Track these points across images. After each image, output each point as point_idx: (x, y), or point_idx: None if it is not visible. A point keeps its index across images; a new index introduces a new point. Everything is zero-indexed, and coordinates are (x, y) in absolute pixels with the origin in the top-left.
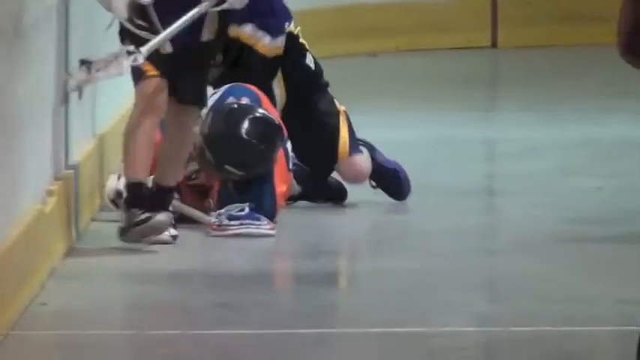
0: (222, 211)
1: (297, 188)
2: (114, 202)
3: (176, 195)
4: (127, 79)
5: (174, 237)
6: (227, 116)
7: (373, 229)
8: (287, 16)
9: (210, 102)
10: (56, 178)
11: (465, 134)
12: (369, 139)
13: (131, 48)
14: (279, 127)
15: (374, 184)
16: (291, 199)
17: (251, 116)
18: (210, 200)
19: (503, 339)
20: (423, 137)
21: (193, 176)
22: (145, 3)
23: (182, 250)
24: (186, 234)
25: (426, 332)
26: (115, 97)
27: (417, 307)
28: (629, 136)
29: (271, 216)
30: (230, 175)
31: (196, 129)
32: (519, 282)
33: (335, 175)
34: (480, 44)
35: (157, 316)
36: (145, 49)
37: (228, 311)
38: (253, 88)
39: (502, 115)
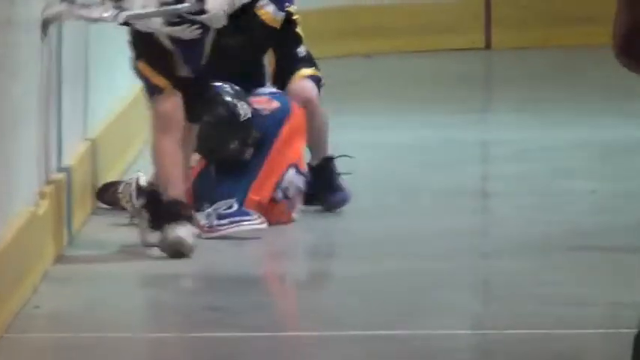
0: (211, 210)
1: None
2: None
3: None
4: (119, 82)
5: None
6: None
7: (368, 231)
8: None
9: None
10: (49, 181)
11: (460, 136)
12: (364, 141)
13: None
14: (240, 122)
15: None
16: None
17: (219, 101)
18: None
19: (497, 341)
20: (417, 138)
21: None
22: None
23: None
24: None
25: (419, 334)
26: (108, 100)
27: (411, 309)
28: (623, 139)
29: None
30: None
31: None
32: (513, 283)
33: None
34: (474, 46)
35: (151, 318)
36: (126, 13)
37: (222, 314)
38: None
39: (497, 116)
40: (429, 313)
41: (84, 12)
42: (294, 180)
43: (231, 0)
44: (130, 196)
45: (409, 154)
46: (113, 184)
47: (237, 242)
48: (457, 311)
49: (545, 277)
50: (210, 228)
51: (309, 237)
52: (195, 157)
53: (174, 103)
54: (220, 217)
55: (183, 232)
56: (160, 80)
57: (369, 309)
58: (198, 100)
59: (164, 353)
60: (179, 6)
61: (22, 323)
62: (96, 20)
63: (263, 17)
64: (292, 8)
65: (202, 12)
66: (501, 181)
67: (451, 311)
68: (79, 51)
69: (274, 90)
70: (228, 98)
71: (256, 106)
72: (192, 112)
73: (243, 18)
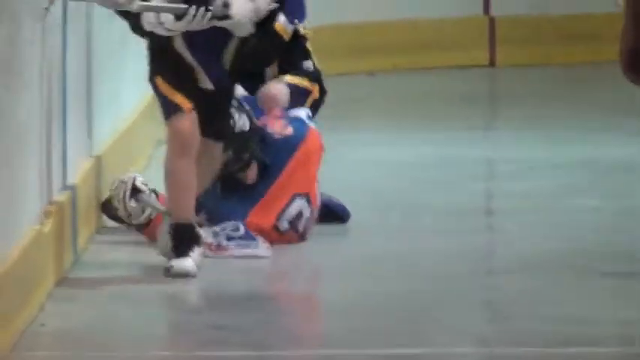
0: (218, 229)
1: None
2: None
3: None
4: (123, 99)
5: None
6: None
7: (372, 250)
8: (301, 14)
9: None
10: (54, 199)
11: (464, 153)
12: (367, 158)
13: None
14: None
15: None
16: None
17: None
18: None
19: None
20: (421, 156)
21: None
22: None
23: None
24: None
25: (424, 353)
26: (112, 117)
27: (416, 328)
28: (628, 156)
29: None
30: None
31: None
32: (518, 302)
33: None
34: (478, 63)
35: (156, 337)
36: (141, 2)
37: (228, 332)
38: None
39: (501, 134)
40: (432, 332)
41: None
42: (304, 211)
43: (256, 7)
44: (124, 194)
45: (413, 171)
46: None
47: (241, 260)
48: (461, 330)
49: (549, 295)
50: (218, 247)
51: (313, 256)
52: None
53: (191, 123)
54: (228, 238)
55: (188, 263)
56: (178, 98)
57: (373, 328)
58: (220, 115)
59: None
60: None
61: (28, 341)
62: (110, 5)
63: (275, 26)
64: (302, 26)
65: (227, 17)
66: (505, 199)
67: (455, 330)
68: (83, 68)
69: (298, 115)
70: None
71: (269, 129)
72: (214, 129)
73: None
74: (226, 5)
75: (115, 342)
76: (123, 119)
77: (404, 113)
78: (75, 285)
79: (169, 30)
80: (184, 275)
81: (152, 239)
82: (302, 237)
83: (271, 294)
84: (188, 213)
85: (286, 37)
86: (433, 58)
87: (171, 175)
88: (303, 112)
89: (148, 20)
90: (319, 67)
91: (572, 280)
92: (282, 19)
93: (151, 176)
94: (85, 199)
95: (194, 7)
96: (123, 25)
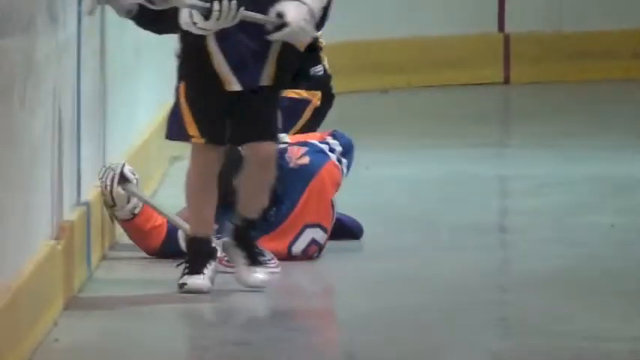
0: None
1: None
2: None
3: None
4: (138, 115)
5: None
6: None
7: (386, 266)
8: (322, 24)
9: None
10: (68, 215)
11: (478, 170)
12: (381, 176)
13: None
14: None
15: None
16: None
17: None
18: None
19: None
20: (435, 174)
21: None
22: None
23: None
24: None
25: None
26: (127, 133)
27: (429, 345)
28: None
29: None
30: None
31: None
32: (531, 318)
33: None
34: (492, 80)
35: (171, 353)
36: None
37: (244, 348)
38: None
39: (515, 151)
40: (446, 348)
41: None
42: (317, 239)
43: (310, 9)
44: (112, 180)
45: (427, 188)
46: None
47: None
48: (475, 347)
49: (562, 311)
50: (229, 262)
51: (327, 272)
52: None
53: (210, 153)
54: None
55: (202, 281)
56: (192, 129)
57: (387, 344)
58: (258, 115)
59: None
60: (258, 15)
61: (41, 356)
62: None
63: None
64: (319, 34)
65: (284, 25)
66: (519, 216)
67: (469, 346)
68: (98, 84)
69: (318, 144)
70: None
71: (287, 156)
72: (253, 130)
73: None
74: (281, 15)
75: (129, 358)
76: (137, 135)
77: (418, 131)
78: (88, 300)
79: (203, 29)
80: (198, 292)
81: (133, 238)
82: (314, 257)
83: (285, 310)
84: (207, 227)
85: (302, 47)
86: (447, 76)
87: (190, 189)
88: (326, 147)
89: (185, 20)
90: (330, 71)
91: (585, 296)
92: None
93: (166, 193)
94: (98, 215)
95: (217, 2)
96: (137, 39)
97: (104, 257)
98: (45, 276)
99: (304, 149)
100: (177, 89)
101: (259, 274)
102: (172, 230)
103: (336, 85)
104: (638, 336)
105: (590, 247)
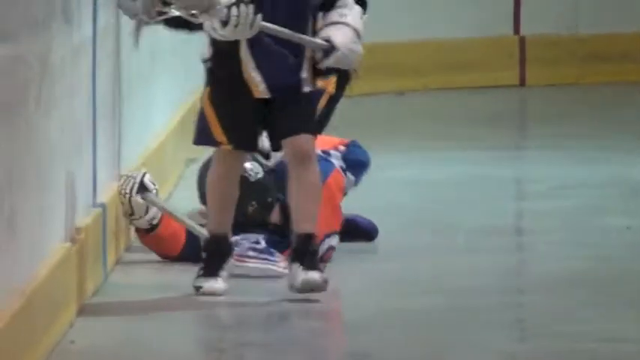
0: (239, 238)
1: None
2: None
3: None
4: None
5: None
6: None
7: (401, 268)
8: None
9: None
10: (84, 217)
11: (494, 173)
12: (396, 177)
13: None
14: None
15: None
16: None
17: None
18: None
19: None
20: (451, 176)
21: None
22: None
23: None
24: None
25: None
26: (143, 136)
27: (445, 346)
28: None
29: None
30: None
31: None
32: (548, 320)
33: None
34: (508, 82)
35: (186, 354)
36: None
37: (258, 349)
38: None
39: (530, 153)
40: (463, 351)
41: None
42: (333, 244)
43: (354, 28)
44: (131, 189)
45: (443, 191)
46: None
47: (269, 278)
48: (491, 349)
49: (580, 314)
50: (241, 256)
51: (342, 274)
52: None
53: (234, 158)
54: (249, 248)
55: (218, 285)
56: (218, 134)
57: (402, 346)
58: (290, 113)
59: None
60: (306, 39)
61: (58, 358)
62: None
63: None
64: None
65: (333, 49)
66: (535, 218)
67: (485, 348)
68: (114, 86)
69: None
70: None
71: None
72: (288, 126)
73: None
74: (328, 40)
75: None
76: (152, 138)
77: (434, 133)
78: (104, 302)
79: (223, 36)
80: (213, 295)
81: (152, 249)
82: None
83: (299, 311)
84: (226, 227)
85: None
86: (463, 78)
87: (211, 189)
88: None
89: (207, 27)
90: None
91: (600, 298)
92: None
93: (182, 196)
94: (113, 217)
95: (233, 6)
96: (152, 42)
97: (120, 259)
98: (60, 278)
99: None
100: (203, 95)
101: (314, 274)
102: (190, 236)
103: (352, 87)
104: None
105: (606, 249)
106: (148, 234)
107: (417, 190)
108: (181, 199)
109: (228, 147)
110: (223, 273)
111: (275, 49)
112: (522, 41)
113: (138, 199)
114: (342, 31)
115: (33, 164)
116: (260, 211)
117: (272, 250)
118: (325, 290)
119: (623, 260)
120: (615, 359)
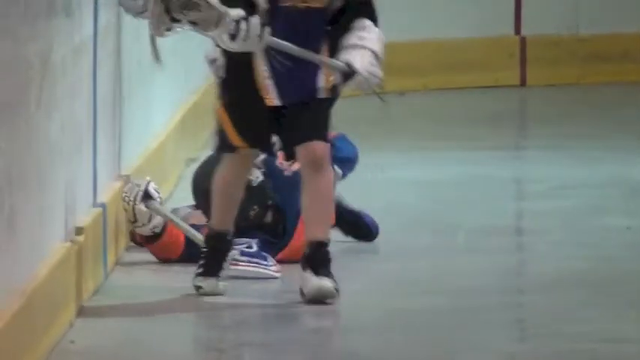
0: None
1: None
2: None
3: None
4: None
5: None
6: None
7: (401, 268)
8: None
9: None
10: (84, 217)
11: (494, 173)
12: (396, 177)
13: (241, 14)
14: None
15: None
16: None
17: None
18: None
19: None
20: (451, 176)
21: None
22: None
23: None
24: None
25: None
26: (143, 136)
27: (446, 347)
28: None
29: None
30: None
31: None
32: (548, 321)
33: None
34: (508, 83)
35: (186, 355)
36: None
37: (259, 350)
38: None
39: (531, 153)
40: (463, 351)
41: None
42: None
43: (372, 51)
44: (135, 197)
45: (443, 190)
46: None
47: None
48: (491, 349)
49: (580, 314)
50: (232, 261)
51: (342, 273)
52: None
53: (247, 158)
54: (242, 253)
55: (218, 284)
56: (234, 137)
57: (402, 346)
58: (302, 121)
59: None
60: (326, 60)
61: (57, 357)
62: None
63: None
64: None
65: (354, 73)
66: (535, 218)
67: (485, 348)
68: (114, 86)
69: None
70: None
71: (277, 164)
72: (301, 134)
73: None
74: (349, 65)
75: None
76: (153, 137)
77: (434, 133)
78: (104, 302)
79: (232, 48)
80: (213, 295)
81: (157, 256)
82: None
83: (299, 312)
84: (228, 224)
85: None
86: (464, 78)
87: (222, 188)
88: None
89: (218, 37)
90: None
91: (601, 298)
92: None
93: (181, 195)
94: (114, 217)
95: (242, 20)
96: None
97: (120, 259)
98: (60, 278)
99: None
100: (215, 106)
101: (326, 281)
102: (190, 239)
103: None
104: None
105: (606, 249)
106: (151, 242)
107: (417, 190)
108: (181, 199)
109: (245, 146)
110: (223, 272)
111: (290, 61)
112: (523, 41)
113: (141, 207)
114: (362, 54)
115: (33, 164)
116: (260, 214)
117: (264, 254)
118: (336, 297)
119: (623, 260)
120: (615, 359)
